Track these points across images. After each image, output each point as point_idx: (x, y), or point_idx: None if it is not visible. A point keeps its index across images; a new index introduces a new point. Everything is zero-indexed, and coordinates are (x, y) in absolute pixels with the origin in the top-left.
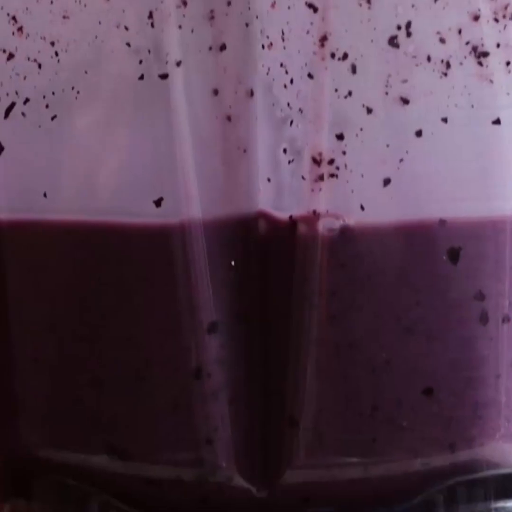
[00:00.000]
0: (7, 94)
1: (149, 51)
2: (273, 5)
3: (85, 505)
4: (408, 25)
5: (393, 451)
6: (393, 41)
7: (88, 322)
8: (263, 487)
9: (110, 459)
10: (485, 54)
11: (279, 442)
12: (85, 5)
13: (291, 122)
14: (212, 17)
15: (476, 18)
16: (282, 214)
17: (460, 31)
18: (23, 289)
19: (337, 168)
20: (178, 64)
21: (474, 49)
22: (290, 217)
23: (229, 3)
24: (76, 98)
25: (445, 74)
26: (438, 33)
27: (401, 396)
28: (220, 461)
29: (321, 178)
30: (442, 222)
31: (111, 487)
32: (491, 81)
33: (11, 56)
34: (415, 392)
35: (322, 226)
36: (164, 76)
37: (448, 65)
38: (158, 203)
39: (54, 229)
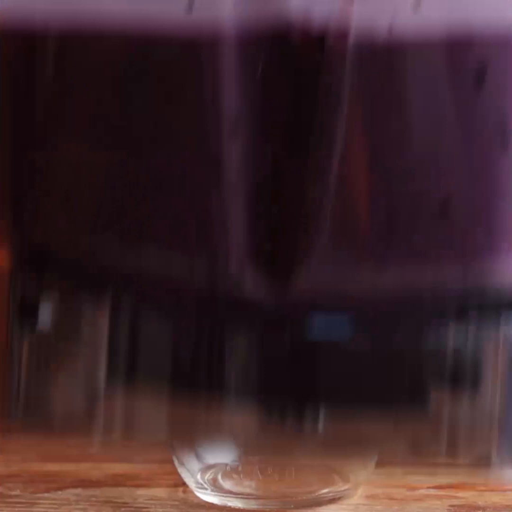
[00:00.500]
0: None
1: None
2: None
3: (98, 294)
4: None
5: (404, 266)
6: None
7: (117, 123)
8: (273, 291)
9: (121, 245)
10: None
11: (292, 248)
12: None
13: None
14: None
15: None
16: (313, 25)
17: None
18: (58, 87)
19: None
20: None
21: None
22: (321, 29)
23: None
24: None
25: None
26: None
27: (417, 214)
28: (232, 262)
29: None
30: (469, 36)
31: (124, 281)
32: None
33: None
34: (432, 210)
35: (352, 39)
36: None
37: None
38: (190, 5)
39: (88, 33)
